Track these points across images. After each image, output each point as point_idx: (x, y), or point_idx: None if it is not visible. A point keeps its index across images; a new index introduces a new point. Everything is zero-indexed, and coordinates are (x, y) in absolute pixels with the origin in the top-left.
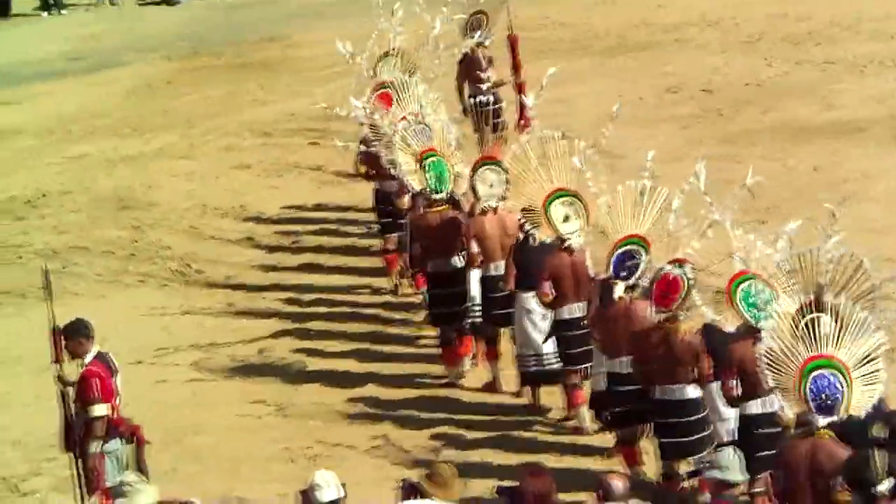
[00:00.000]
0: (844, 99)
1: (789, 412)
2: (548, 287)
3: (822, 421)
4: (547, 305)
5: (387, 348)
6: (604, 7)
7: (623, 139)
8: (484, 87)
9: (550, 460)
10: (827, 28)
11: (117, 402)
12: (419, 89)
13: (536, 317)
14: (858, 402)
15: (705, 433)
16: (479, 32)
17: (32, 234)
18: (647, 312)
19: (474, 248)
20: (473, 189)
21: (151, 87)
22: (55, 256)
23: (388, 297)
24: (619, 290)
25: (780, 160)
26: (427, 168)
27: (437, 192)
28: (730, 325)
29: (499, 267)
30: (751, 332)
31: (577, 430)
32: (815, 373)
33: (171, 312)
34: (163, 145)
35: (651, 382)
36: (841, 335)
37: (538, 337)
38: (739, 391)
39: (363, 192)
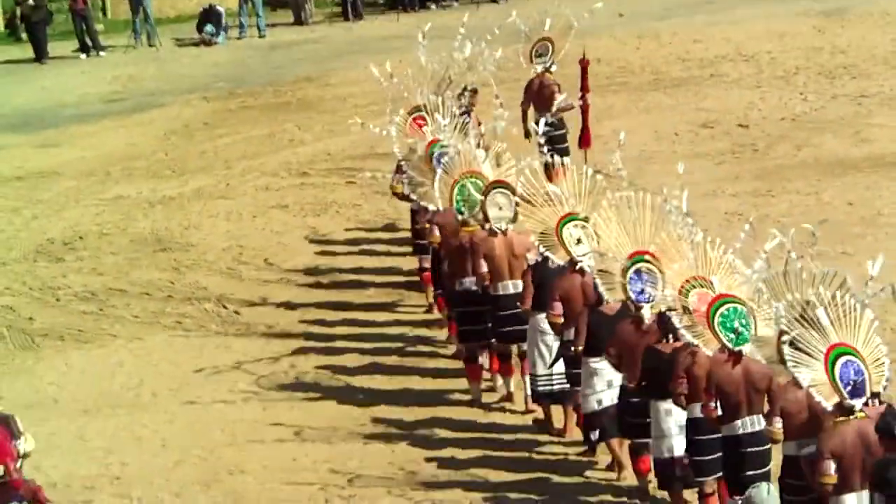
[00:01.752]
0: (879, 133)
1: (778, 426)
2: (559, 308)
3: (858, 403)
4: (555, 326)
5: (427, 386)
6: (640, 42)
7: (658, 175)
8: (552, 111)
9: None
10: (862, 62)
11: (18, 465)
12: (450, 113)
13: (549, 338)
14: (876, 378)
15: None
16: (544, 58)
17: (71, 275)
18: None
19: (483, 267)
20: (484, 212)
21: (189, 128)
22: (93, 298)
23: (428, 332)
24: (647, 314)
25: (815, 194)
26: (458, 190)
27: (461, 214)
28: (708, 349)
29: (507, 286)
30: (730, 355)
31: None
32: (840, 360)
33: (209, 354)
34: (200, 186)
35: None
36: (841, 324)
37: (549, 357)
38: (719, 412)
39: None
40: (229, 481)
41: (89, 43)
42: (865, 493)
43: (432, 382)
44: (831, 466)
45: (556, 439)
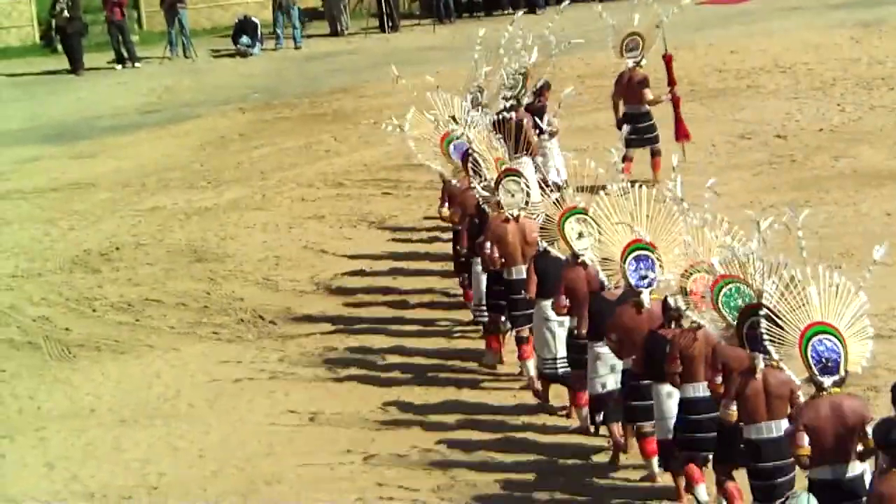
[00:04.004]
0: None
1: (732, 409)
2: (563, 300)
3: (828, 381)
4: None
5: (469, 396)
6: (676, 53)
7: (694, 186)
8: (645, 104)
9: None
10: None
11: None
12: (464, 106)
13: (554, 324)
14: (855, 358)
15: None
16: (635, 53)
17: (107, 286)
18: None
19: (495, 252)
20: (497, 199)
21: (225, 140)
22: (129, 309)
23: (470, 344)
24: (646, 299)
25: (853, 206)
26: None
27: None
28: (713, 327)
29: (520, 271)
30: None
31: (581, 430)
32: (814, 339)
33: (245, 364)
34: (236, 197)
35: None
36: (828, 302)
37: (553, 342)
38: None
39: (435, 243)
40: (266, 491)
41: (125, 54)
42: (840, 466)
43: (474, 394)
44: (805, 439)
45: (563, 422)
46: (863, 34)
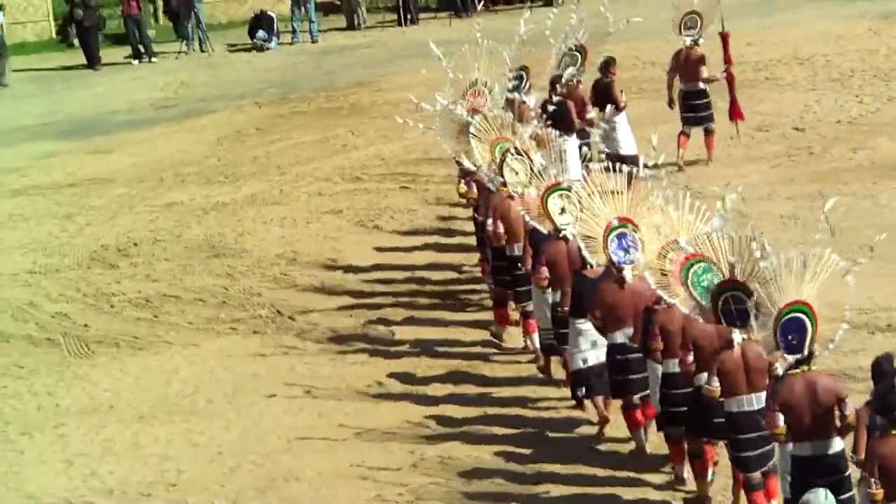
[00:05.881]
0: None
1: (715, 385)
2: (544, 271)
3: (791, 358)
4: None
5: (490, 391)
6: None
7: (712, 178)
8: (701, 81)
9: None
10: None
11: None
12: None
13: (549, 295)
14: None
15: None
16: (693, 31)
17: (125, 282)
18: (647, 288)
19: (499, 228)
20: (502, 176)
21: (241, 134)
22: (147, 305)
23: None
24: (628, 275)
25: (871, 197)
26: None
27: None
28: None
29: (522, 248)
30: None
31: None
32: (787, 317)
33: (263, 360)
34: (253, 192)
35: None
36: (817, 281)
37: (550, 313)
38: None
39: (455, 236)
40: (285, 488)
41: (142, 49)
42: (820, 443)
43: (498, 388)
44: (780, 418)
45: (555, 395)
46: (881, 25)
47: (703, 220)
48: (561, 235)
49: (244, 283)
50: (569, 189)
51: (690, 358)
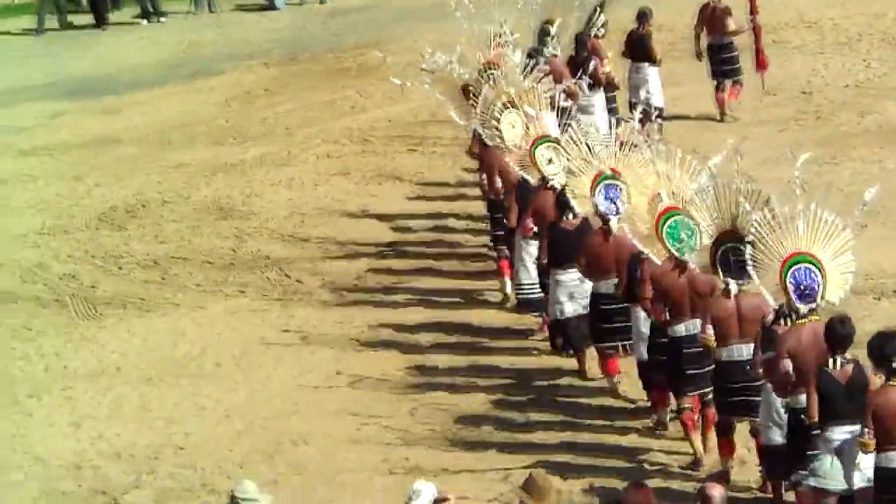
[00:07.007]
0: None
1: (709, 332)
2: (530, 223)
3: (804, 308)
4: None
5: (497, 361)
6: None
7: (716, 142)
8: (728, 34)
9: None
10: None
11: None
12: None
13: (532, 249)
14: (834, 290)
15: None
16: None
17: (132, 243)
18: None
19: (497, 182)
20: (499, 132)
21: (250, 95)
22: (155, 266)
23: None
24: (615, 226)
25: (879, 162)
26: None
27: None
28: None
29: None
30: (677, 265)
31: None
32: (794, 267)
33: (271, 322)
34: (262, 153)
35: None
36: (814, 235)
37: (532, 268)
38: (667, 316)
39: (462, 200)
40: (293, 451)
41: (150, 9)
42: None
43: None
44: (789, 365)
45: (530, 345)
46: None
47: (691, 176)
48: (549, 186)
49: (252, 245)
50: (556, 141)
51: (661, 307)
